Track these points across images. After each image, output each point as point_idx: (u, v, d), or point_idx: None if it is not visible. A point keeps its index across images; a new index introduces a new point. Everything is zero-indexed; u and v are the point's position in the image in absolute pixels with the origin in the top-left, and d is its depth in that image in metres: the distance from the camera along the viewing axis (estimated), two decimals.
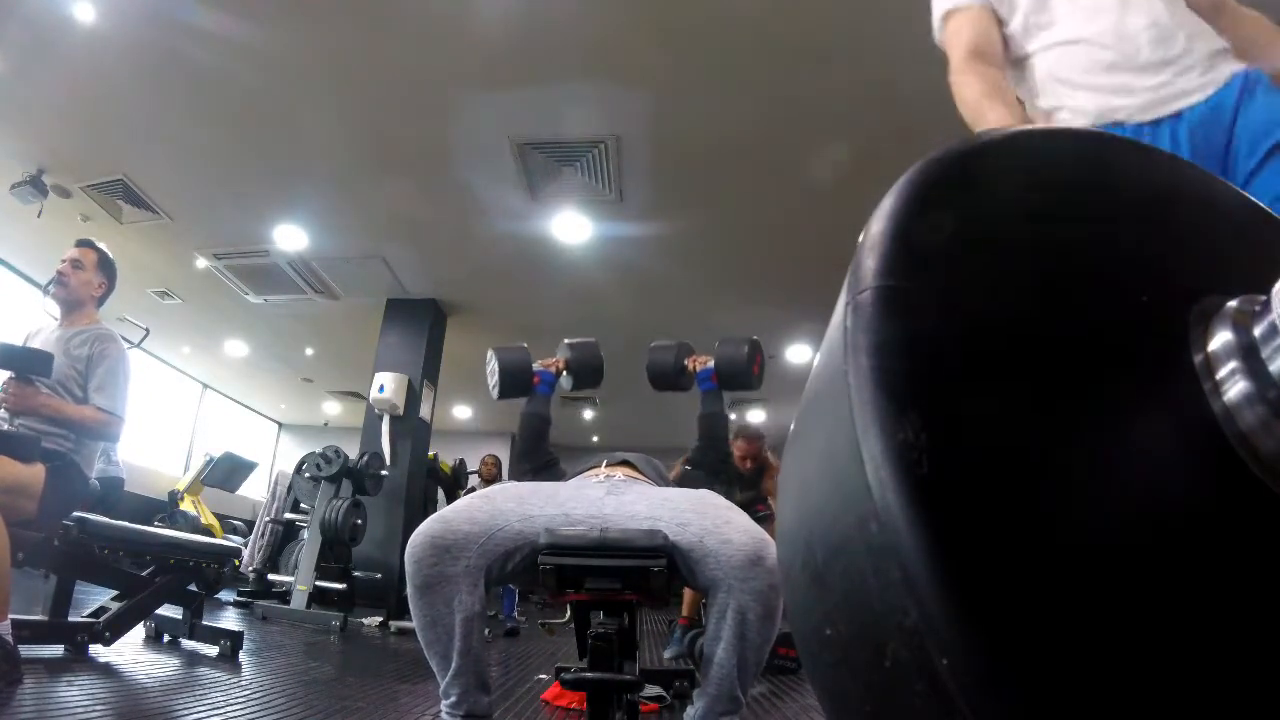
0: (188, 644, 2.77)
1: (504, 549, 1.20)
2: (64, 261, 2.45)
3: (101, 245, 2.55)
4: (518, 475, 1.70)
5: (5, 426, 2.15)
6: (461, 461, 7.11)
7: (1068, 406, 0.33)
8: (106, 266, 2.53)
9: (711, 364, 1.78)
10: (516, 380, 1.75)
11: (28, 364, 2.18)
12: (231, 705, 1.90)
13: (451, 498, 6.69)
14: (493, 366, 1.76)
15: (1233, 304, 0.35)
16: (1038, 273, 0.37)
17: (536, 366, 1.80)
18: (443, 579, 1.16)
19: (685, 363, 1.86)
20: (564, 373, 1.86)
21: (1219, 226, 0.43)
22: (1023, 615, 0.28)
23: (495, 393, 1.77)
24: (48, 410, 2.18)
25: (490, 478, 5.86)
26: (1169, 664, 0.29)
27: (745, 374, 1.74)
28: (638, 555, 1.16)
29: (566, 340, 1.92)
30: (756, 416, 8.64)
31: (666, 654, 3.60)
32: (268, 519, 5.46)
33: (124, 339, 2.51)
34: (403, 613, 4.50)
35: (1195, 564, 0.31)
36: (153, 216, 5.02)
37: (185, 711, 1.78)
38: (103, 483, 5.11)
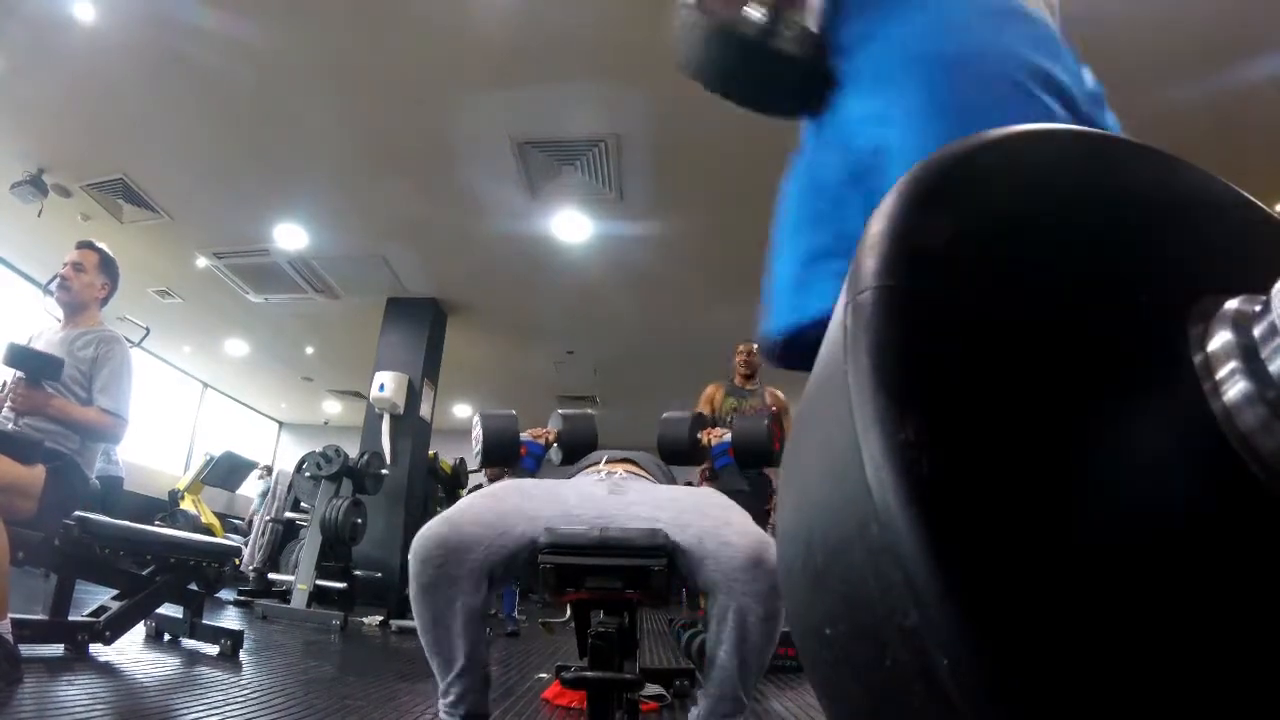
0: (188, 643, 2.77)
1: (510, 550, 1.20)
2: (65, 265, 2.44)
3: (102, 245, 2.54)
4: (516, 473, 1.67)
5: (9, 426, 2.15)
6: (462, 460, 7.10)
7: (1067, 407, 0.33)
8: (108, 267, 2.53)
9: (728, 438, 1.67)
10: (501, 449, 1.68)
11: (39, 367, 2.18)
12: (231, 704, 1.90)
13: (452, 497, 6.69)
14: (477, 433, 1.69)
15: (1233, 304, 0.35)
16: (1037, 272, 0.37)
17: (524, 436, 1.72)
18: (448, 580, 1.16)
19: (699, 436, 1.74)
20: (553, 445, 1.78)
21: (1219, 226, 0.43)
22: (1023, 616, 0.28)
23: (477, 460, 1.70)
24: (54, 411, 2.19)
25: (495, 478, 5.85)
26: (1170, 665, 0.29)
27: (765, 451, 1.61)
28: (638, 554, 1.16)
29: (560, 411, 1.85)
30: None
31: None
32: (268, 518, 5.47)
33: (125, 338, 2.51)
34: (403, 612, 4.50)
35: (1195, 565, 0.31)
36: (153, 216, 5.03)
37: (185, 711, 1.78)
38: (102, 481, 5.12)
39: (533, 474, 1.69)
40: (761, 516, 2.95)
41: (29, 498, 2.05)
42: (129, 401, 2.36)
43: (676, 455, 1.76)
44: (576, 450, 1.77)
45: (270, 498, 5.64)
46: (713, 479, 1.96)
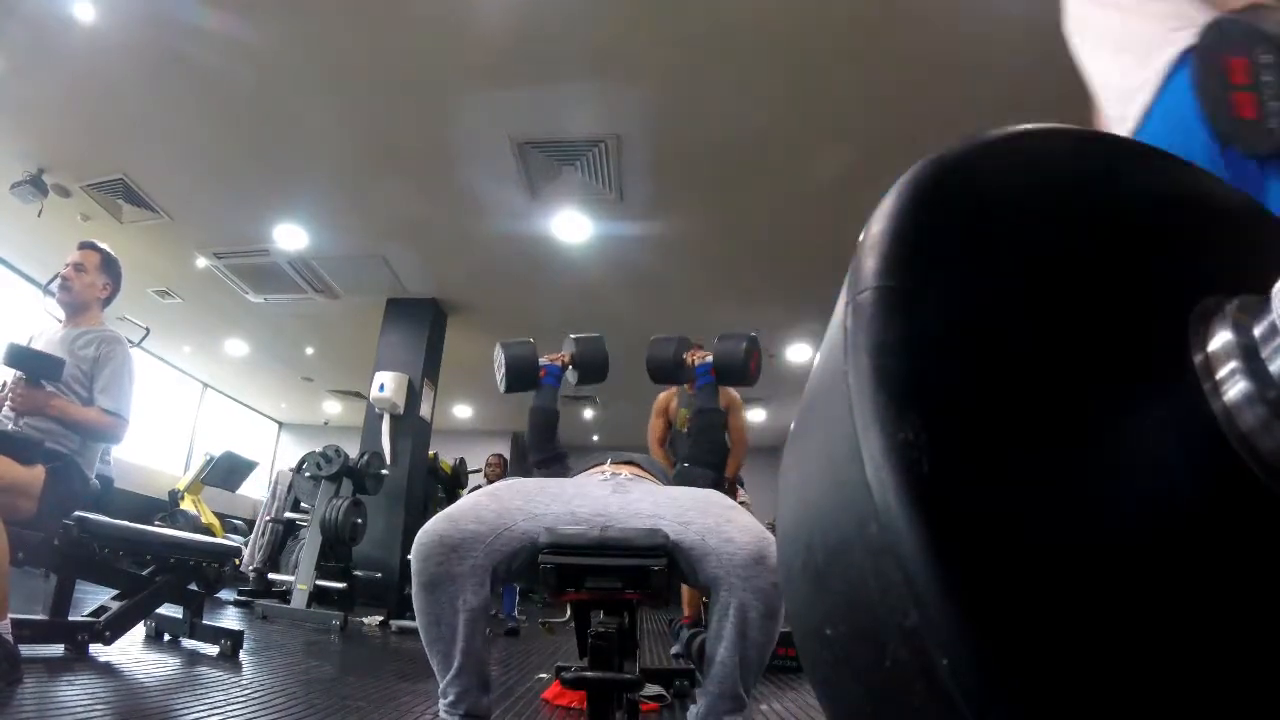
0: (188, 643, 2.77)
1: (511, 549, 1.20)
2: (66, 265, 2.44)
3: (104, 246, 2.53)
4: (525, 469, 1.70)
5: (9, 426, 2.15)
6: (462, 461, 7.10)
7: (1068, 407, 0.33)
8: (110, 267, 2.52)
9: (710, 359, 1.81)
10: (523, 374, 1.80)
11: (39, 367, 2.18)
12: (232, 705, 1.90)
13: (452, 497, 6.68)
14: (500, 360, 1.80)
15: (1233, 304, 0.35)
16: (1038, 273, 0.37)
17: (543, 360, 1.84)
18: (449, 578, 1.16)
19: (684, 356, 1.90)
20: (569, 367, 1.89)
21: (1219, 226, 0.43)
22: (1023, 616, 0.28)
23: (502, 386, 1.81)
24: (54, 411, 2.19)
25: (495, 478, 5.84)
26: (1170, 664, 0.29)
27: (742, 370, 1.77)
28: (638, 554, 1.16)
29: (572, 335, 1.95)
30: (757, 416, 8.65)
31: (673, 651, 3.60)
32: (268, 518, 5.47)
33: (125, 338, 2.51)
34: (403, 612, 4.50)
35: (1196, 564, 0.31)
36: (153, 216, 5.02)
37: (185, 711, 1.78)
38: (100, 481, 5.12)
39: (554, 392, 1.81)
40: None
41: (29, 498, 2.05)
42: (130, 402, 2.36)
43: (663, 374, 1.95)
44: (590, 371, 1.92)
45: (270, 498, 5.64)
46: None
